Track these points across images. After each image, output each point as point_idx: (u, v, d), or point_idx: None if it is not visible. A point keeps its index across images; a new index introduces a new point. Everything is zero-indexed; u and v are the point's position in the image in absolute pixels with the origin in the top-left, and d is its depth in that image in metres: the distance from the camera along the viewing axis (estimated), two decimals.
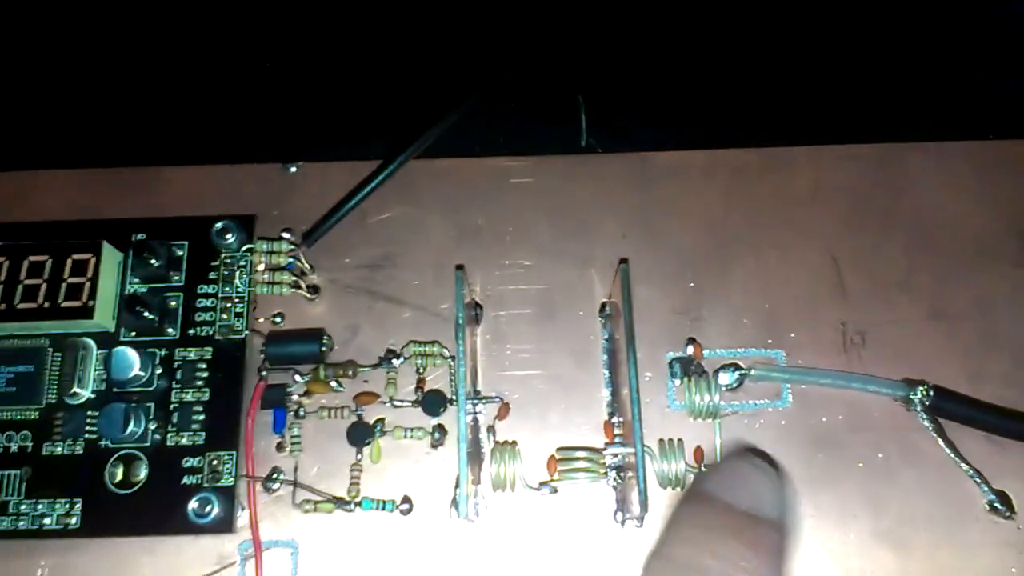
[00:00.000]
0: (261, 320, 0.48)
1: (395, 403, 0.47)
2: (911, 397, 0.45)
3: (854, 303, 0.49)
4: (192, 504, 0.44)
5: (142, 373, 0.46)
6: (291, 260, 0.48)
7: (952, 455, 0.45)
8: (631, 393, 0.41)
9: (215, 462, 0.45)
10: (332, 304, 0.49)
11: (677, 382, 0.47)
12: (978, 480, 0.45)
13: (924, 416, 0.45)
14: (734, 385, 0.47)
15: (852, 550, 0.44)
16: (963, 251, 0.50)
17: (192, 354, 0.47)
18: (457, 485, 0.43)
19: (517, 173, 0.52)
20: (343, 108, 0.56)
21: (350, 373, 0.47)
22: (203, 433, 0.45)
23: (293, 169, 0.52)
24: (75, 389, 0.46)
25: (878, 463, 0.46)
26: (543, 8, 0.59)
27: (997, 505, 0.45)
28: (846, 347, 0.48)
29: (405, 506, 0.45)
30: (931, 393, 0.45)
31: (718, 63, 0.57)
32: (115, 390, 0.46)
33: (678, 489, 0.44)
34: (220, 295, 0.48)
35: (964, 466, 0.45)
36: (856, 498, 0.45)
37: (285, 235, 0.49)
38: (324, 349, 0.47)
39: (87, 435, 0.45)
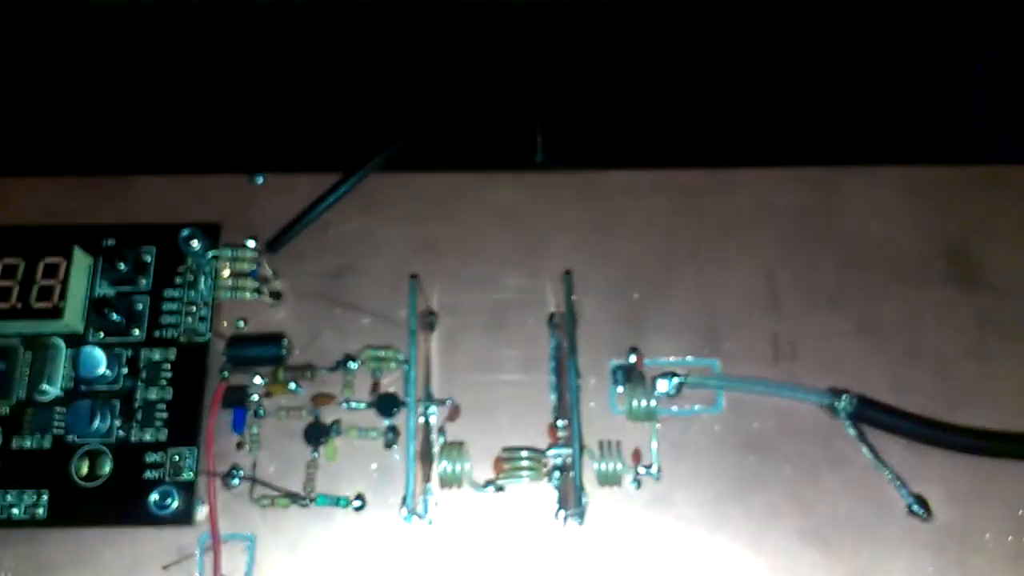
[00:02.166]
0: (225, 324, 0.51)
1: (351, 405, 0.49)
2: (836, 405, 0.48)
3: (787, 316, 0.51)
4: (153, 496, 0.46)
5: (108, 372, 0.48)
6: (255, 267, 0.51)
7: (874, 460, 0.48)
8: (570, 396, 0.43)
9: (176, 458, 0.47)
10: (294, 310, 0.52)
11: (619, 388, 0.50)
12: (898, 484, 0.48)
13: (848, 423, 0.48)
14: (672, 392, 0.49)
15: (778, 548, 0.47)
16: (891, 270, 0.53)
17: (157, 355, 0.49)
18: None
19: (474, 187, 0.55)
20: (308, 122, 0.58)
21: (308, 375, 0.49)
22: (165, 430, 0.47)
23: (259, 180, 0.54)
24: (43, 386, 0.47)
25: (805, 467, 0.48)
26: (504, 31, 0.62)
27: (915, 508, 0.47)
28: (778, 358, 0.51)
29: (358, 503, 0.47)
30: (855, 402, 0.48)
31: (669, 90, 0.60)
32: (82, 388, 0.48)
33: (616, 488, 0.47)
34: (185, 299, 0.50)
35: (885, 471, 0.48)
36: (783, 499, 0.48)
37: (249, 243, 0.51)
38: (283, 352, 0.49)
39: (55, 430, 0.47)
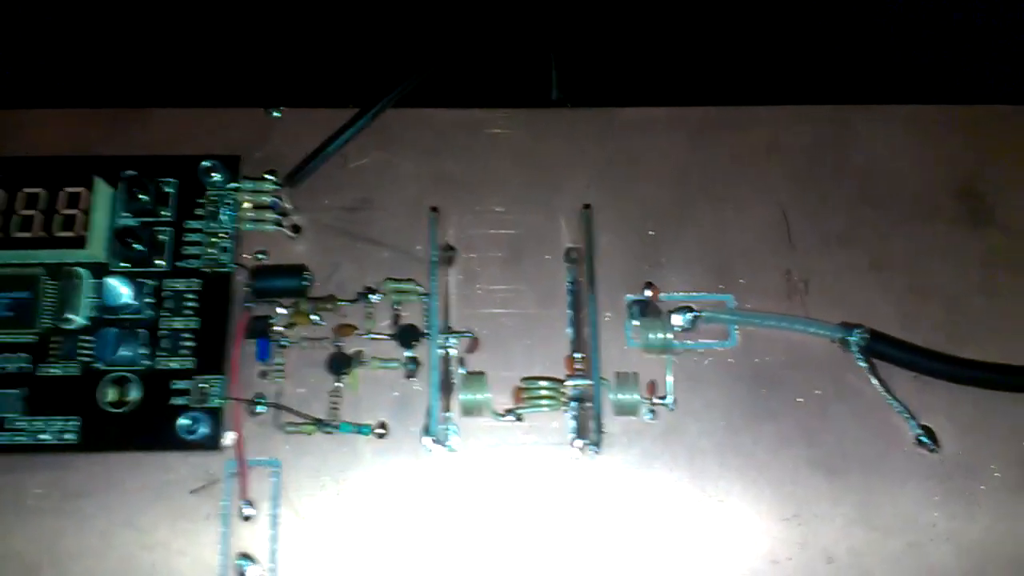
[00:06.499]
0: (246, 256, 0.51)
1: (372, 336, 0.50)
2: (848, 339, 0.49)
3: (800, 253, 0.52)
4: (182, 421, 0.47)
5: (134, 302, 0.48)
6: (275, 199, 0.51)
7: (883, 392, 0.49)
8: (590, 327, 0.44)
9: (203, 385, 0.48)
10: (313, 243, 0.52)
11: (635, 322, 0.51)
12: (906, 416, 0.49)
13: (859, 356, 0.49)
14: (687, 326, 0.50)
15: (788, 477, 0.48)
16: (902, 207, 0.53)
17: (181, 285, 0.49)
18: (429, 411, 0.47)
19: (490, 124, 0.55)
20: (324, 57, 0.58)
21: (330, 307, 0.50)
22: (192, 358, 0.48)
23: (276, 114, 0.54)
24: (68, 315, 0.48)
25: (815, 399, 0.50)
26: None
27: (923, 439, 0.49)
28: (790, 293, 0.51)
29: (381, 430, 0.48)
30: (866, 336, 0.49)
31: (684, 27, 0.61)
32: (107, 317, 0.49)
33: (632, 418, 0.48)
34: (207, 230, 0.51)
35: (894, 403, 0.49)
36: (794, 430, 0.49)
37: (269, 176, 0.51)
38: (306, 284, 0.50)
39: (82, 358, 0.48)
